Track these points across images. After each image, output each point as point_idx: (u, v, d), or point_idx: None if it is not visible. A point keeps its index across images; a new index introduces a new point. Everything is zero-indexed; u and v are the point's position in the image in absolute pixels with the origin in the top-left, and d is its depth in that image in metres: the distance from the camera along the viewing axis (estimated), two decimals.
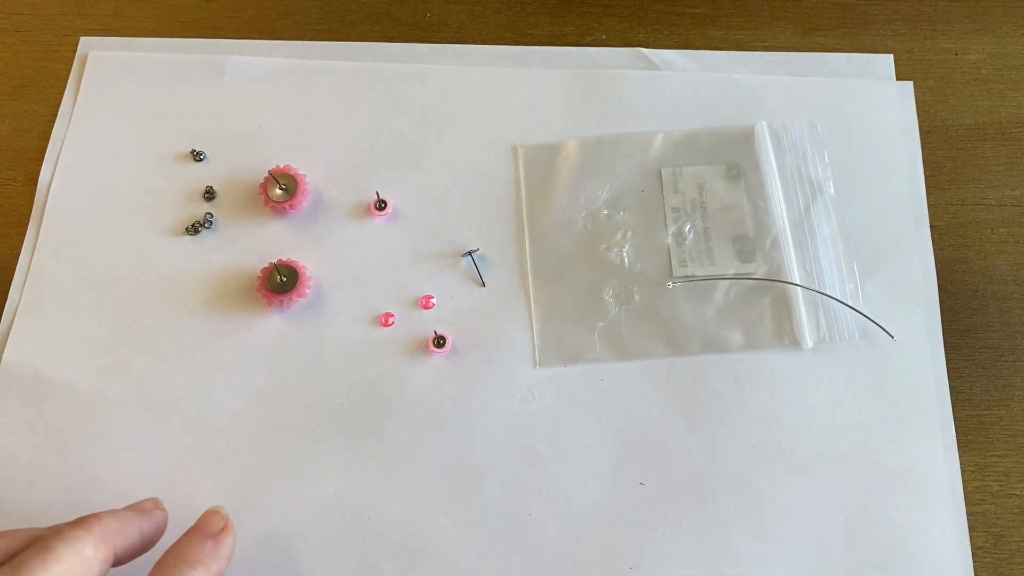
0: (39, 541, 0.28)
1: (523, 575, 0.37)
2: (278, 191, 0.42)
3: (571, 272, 0.41)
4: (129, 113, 0.45)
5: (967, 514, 0.38)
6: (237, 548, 0.37)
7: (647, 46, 0.46)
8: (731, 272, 0.41)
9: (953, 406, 0.39)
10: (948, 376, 0.40)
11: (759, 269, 0.41)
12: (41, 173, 0.43)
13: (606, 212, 0.42)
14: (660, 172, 0.43)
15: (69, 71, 0.46)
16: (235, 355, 0.40)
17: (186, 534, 0.32)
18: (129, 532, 0.31)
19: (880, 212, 0.42)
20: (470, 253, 0.42)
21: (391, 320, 0.40)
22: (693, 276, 0.41)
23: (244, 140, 0.44)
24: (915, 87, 0.45)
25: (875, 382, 0.39)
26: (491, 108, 0.44)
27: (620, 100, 0.44)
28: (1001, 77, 0.46)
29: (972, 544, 0.37)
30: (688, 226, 0.42)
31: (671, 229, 0.42)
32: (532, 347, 0.40)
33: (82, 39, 0.46)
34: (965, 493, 0.38)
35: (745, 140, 0.44)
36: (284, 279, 0.40)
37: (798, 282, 0.41)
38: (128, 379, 0.39)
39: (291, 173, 0.42)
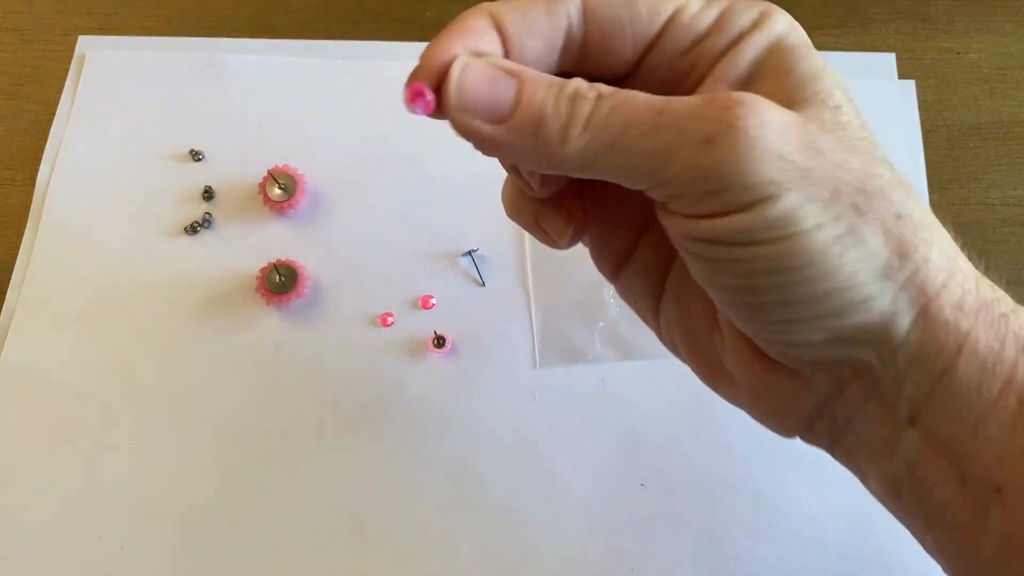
0: None
1: (523, 575, 0.36)
2: (277, 191, 0.42)
3: (571, 272, 0.41)
4: (127, 112, 0.44)
5: None
6: (235, 548, 0.37)
7: None
8: None
9: None
10: None
11: None
12: (39, 173, 0.43)
13: None
14: None
15: (67, 70, 0.45)
16: (234, 355, 0.40)
17: None
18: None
19: None
20: (470, 253, 0.41)
21: (390, 320, 0.40)
22: None
23: (243, 139, 0.44)
24: (917, 86, 0.45)
25: None
26: None
27: None
28: (1003, 76, 0.46)
29: None
30: None
31: None
32: (532, 347, 0.40)
33: (80, 38, 0.46)
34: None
35: None
36: (283, 279, 0.40)
37: None
38: (126, 379, 0.39)
39: (290, 172, 0.42)
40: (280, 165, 0.42)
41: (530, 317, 0.40)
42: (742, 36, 0.21)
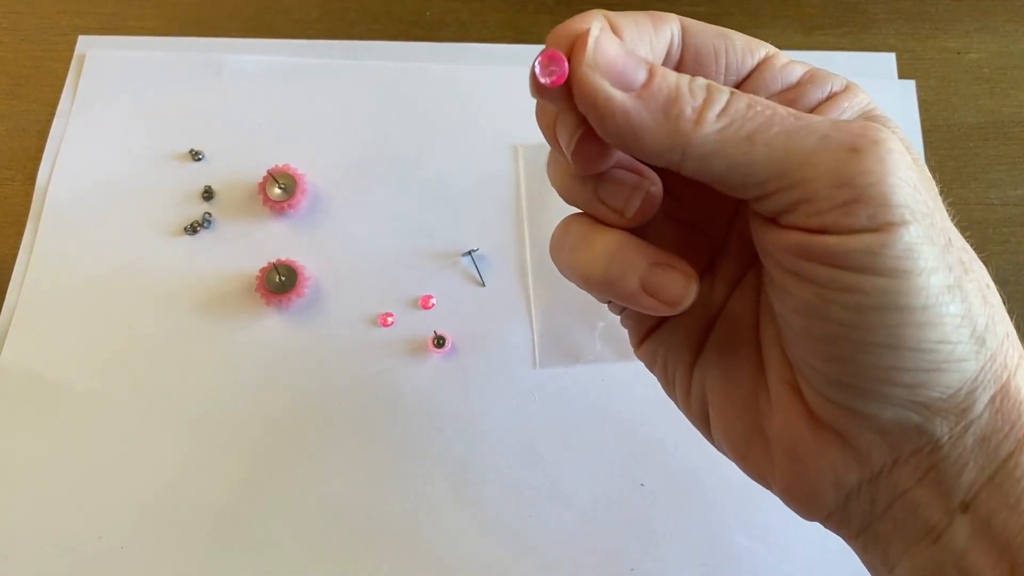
0: None
1: (523, 575, 0.36)
2: (277, 190, 0.42)
3: None
4: (127, 112, 0.44)
5: None
6: (235, 547, 0.36)
7: None
8: None
9: None
10: None
11: None
12: (39, 172, 0.43)
13: None
14: None
15: (67, 70, 0.45)
16: (234, 355, 0.40)
17: None
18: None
19: None
20: (470, 253, 0.41)
21: (390, 320, 0.40)
22: None
23: (243, 139, 0.44)
24: (917, 86, 0.45)
25: None
26: (491, 107, 0.44)
27: None
28: (1003, 76, 0.46)
29: None
30: None
31: None
32: (532, 347, 0.40)
33: (80, 38, 0.46)
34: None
35: None
36: (283, 279, 0.40)
37: None
38: (126, 379, 0.39)
39: (290, 172, 0.42)
40: (280, 165, 0.42)
41: (530, 317, 0.40)
42: (835, 95, 0.22)
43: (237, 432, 0.38)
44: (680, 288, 0.22)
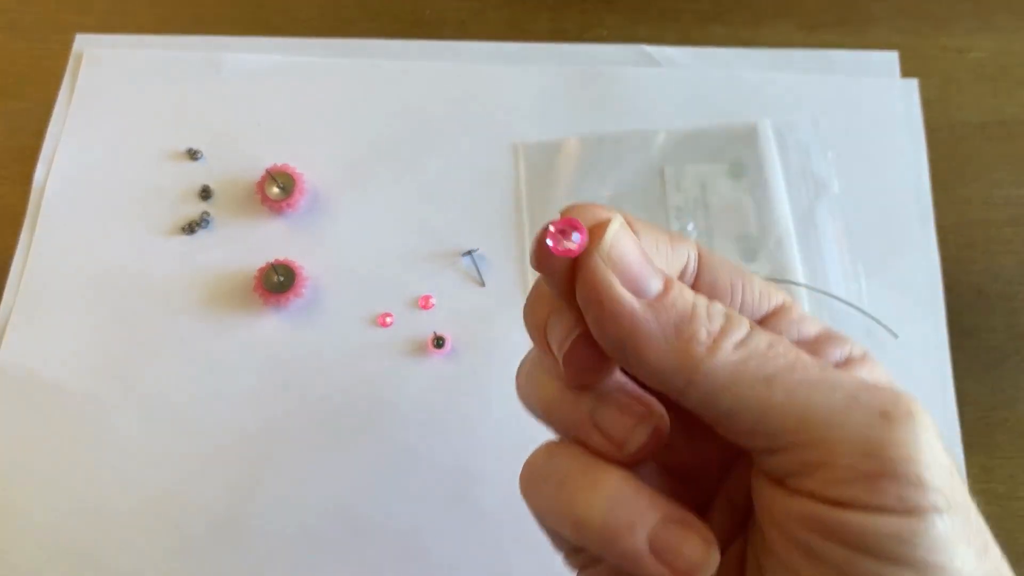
0: None
1: (523, 575, 0.36)
2: (275, 190, 0.41)
3: None
4: (125, 111, 0.44)
5: None
6: (234, 548, 0.36)
7: (649, 42, 0.46)
8: None
9: (958, 407, 0.39)
10: (953, 377, 0.39)
11: (763, 268, 0.41)
12: (36, 172, 0.43)
13: None
14: (662, 170, 0.43)
15: (64, 69, 0.45)
16: (232, 355, 0.39)
17: None
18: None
19: (885, 211, 0.42)
20: (470, 253, 0.41)
21: (389, 320, 0.40)
22: None
23: (241, 138, 0.43)
24: (920, 84, 0.45)
25: None
26: (491, 105, 0.44)
27: (621, 97, 0.44)
28: (1006, 74, 0.46)
29: None
30: (691, 225, 0.42)
31: (674, 228, 0.42)
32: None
33: (77, 36, 0.46)
34: (970, 495, 0.38)
35: (748, 138, 0.43)
36: (281, 279, 0.40)
37: (802, 282, 0.40)
38: (123, 380, 0.39)
39: (288, 172, 0.42)
40: (278, 164, 0.42)
41: None
42: (852, 360, 0.20)
43: (235, 432, 0.38)
44: (700, 555, 0.18)
